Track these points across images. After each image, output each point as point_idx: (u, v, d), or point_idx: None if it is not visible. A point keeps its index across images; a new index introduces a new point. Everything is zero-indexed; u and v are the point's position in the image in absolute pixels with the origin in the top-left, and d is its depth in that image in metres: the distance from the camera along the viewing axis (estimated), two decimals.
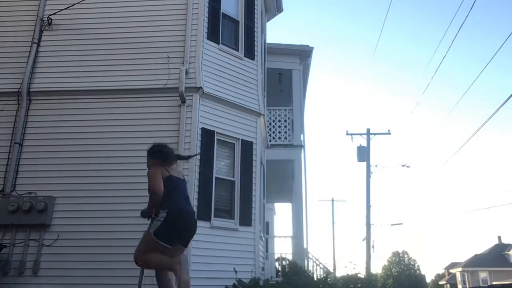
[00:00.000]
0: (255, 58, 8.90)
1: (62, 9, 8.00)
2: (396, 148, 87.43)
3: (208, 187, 7.37)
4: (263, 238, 9.68)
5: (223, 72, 8.14)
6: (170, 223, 4.13)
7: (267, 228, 14.07)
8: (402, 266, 56.70)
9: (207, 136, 7.56)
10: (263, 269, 8.70)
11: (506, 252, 47.29)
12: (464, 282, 47.79)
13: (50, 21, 8.07)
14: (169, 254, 4.14)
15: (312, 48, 12.86)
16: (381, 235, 51.14)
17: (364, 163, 22.40)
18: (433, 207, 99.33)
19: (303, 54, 12.90)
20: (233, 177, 7.94)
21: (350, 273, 10.24)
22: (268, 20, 12.04)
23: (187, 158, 5.62)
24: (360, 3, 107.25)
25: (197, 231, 6.90)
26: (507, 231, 71.60)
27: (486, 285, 37.87)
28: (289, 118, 12.42)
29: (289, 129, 12.32)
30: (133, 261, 4.26)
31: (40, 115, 7.61)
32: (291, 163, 12.01)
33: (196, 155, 6.89)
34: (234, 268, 7.02)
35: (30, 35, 8.02)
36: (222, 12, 8.56)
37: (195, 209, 7.07)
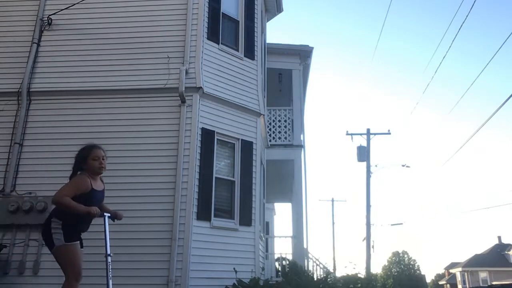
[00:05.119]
0: (255, 58, 8.89)
1: (62, 9, 8.00)
2: (396, 148, 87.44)
3: (208, 187, 7.37)
4: (263, 238, 9.68)
5: (223, 72, 8.13)
6: None
7: (267, 228, 14.07)
8: (402, 266, 56.78)
9: (207, 136, 7.56)
10: (263, 269, 8.69)
11: (506, 252, 47.31)
12: (464, 282, 47.82)
13: (50, 21, 8.06)
14: None
15: (312, 48, 12.85)
16: (381, 235, 51.26)
17: (364, 163, 22.41)
18: (433, 207, 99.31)
19: (303, 54, 12.88)
20: (233, 177, 7.94)
21: (350, 273, 10.22)
22: (268, 20, 12.03)
23: None
24: (360, 3, 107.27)
25: (197, 231, 7.01)
26: (507, 231, 71.71)
27: (486, 285, 37.88)
28: (289, 118, 12.41)
29: (289, 129, 12.32)
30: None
31: (40, 115, 7.61)
32: (291, 163, 12.00)
33: None
34: (234, 268, 7.02)
35: (30, 35, 8.02)
36: (222, 12, 8.55)
37: (195, 209, 7.09)
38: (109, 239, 4.36)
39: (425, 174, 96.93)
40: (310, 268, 11.72)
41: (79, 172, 4.33)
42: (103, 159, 4.37)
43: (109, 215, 4.50)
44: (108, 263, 4.23)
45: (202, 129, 7.50)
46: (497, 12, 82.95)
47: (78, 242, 4.28)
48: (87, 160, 4.30)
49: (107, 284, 4.17)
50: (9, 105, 7.63)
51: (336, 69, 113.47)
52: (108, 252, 4.28)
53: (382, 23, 58.97)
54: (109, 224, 6.82)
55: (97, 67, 7.80)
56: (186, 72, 7.51)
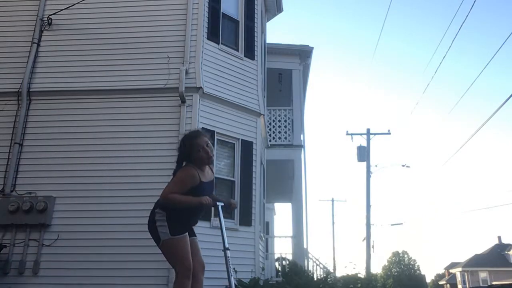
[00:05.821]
0: (255, 58, 8.89)
1: (62, 9, 7.99)
2: (396, 148, 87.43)
3: None
4: (263, 238, 9.67)
5: (223, 72, 8.14)
6: None
7: (267, 228, 14.06)
8: (402, 266, 56.84)
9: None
10: (263, 269, 8.69)
11: (506, 252, 47.31)
12: (464, 282, 47.81)
13: (50, 21, 8.06)
14: None
15: (312, 48, 12.86)
16: (381, 235, 51.28)
17: (364, 163, 22.40)
18: (433, 207, 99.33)
19: (303, 54, 12.89)
20: (233, 177, 7.94)
21: (350, 273, 10.26)
22: (268, 20, 12.03)
23: None
24: (360, 3, 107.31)
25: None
26: (507, 231, 71.74)
27: (486, 285, 37.86)
28: (289, 118, 12.42)
29: (289, 129, 12.32)
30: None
31: (40, 115, 7.61)
32: (291, 163, 12.01)
33: None
34: (234, 268, 7.01)
35: (30, 35, 8.01)
36: (222, 12, 8.56)
37: None
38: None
39: (425, 174, 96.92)
40: (310, 268, 11.73)
41: (184, 163, 3.85)
42: (207, 146, 3.82)
43: (223, 204, 4.03)
44: (228, 258, 3.79)
45: (202, 129, 7.48)
46: (497, 12, 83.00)
47: (187, 234, 3.81)
48: (191, 154, 3.79)
49: (229, 280, 3.76)
50: (9, 105, 7.62)
51: (336, 69, 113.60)
52: (226, 245, 3.85)
53: (382, 23, 59.01)
54: (109, 224, 6.86)
55: (97, 67, 7.79)
56: (186, 72, 7.51)
